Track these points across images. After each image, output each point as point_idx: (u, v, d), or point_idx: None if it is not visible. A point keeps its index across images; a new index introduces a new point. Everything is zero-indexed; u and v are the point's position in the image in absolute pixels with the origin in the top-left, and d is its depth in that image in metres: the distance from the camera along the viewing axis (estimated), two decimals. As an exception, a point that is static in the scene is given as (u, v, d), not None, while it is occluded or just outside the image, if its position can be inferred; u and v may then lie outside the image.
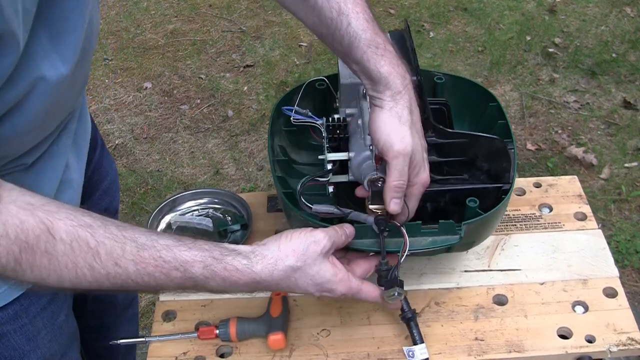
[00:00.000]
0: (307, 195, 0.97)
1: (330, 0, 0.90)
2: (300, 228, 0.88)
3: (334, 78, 1.12)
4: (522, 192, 1.25)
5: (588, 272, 1.11)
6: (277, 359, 1.01)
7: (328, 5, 0.91)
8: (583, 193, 1.25)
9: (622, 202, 2.49)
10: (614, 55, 3.16)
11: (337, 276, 0.86)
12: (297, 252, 0.84)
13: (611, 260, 1.13)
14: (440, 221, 0.95)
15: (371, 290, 0.90)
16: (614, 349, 1.00)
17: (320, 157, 1.04)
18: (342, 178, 1.02)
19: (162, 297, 1.10)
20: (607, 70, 3.08)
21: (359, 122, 1.01)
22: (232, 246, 0.83)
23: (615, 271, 1.12)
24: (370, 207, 0.93)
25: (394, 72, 0.89)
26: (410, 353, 0.99)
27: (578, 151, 2.66)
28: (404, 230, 0.93)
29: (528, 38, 3.28)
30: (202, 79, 3.12)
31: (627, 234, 2.38)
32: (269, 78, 3.10)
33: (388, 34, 1.11)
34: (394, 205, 0.90)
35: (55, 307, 1.02)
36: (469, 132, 1.04)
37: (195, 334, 1.03)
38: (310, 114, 1.06)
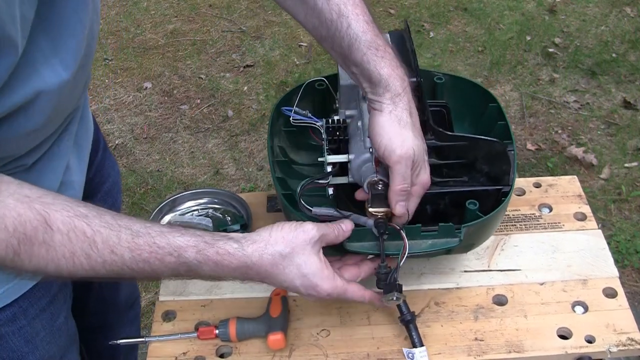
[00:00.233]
0: (307, 196, 0.97)
1: (330, 2, 0.90)
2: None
3: (334, 78, 1.12)
4: (522, 192, 1.25)
5: (588, 273, 1.11)
6: (276, 359, 1.01)
7: (328, 7, 0.91)
8: (583, 193, 1.25)
9: (622, 202, 2.49)
10: (614, 55, 3.16)
11: (324, 272, 0.87)
12: (286, 239, 0.85)
13: (611, 260, 1.13)
14: (439, 224, 0.95)
15: (357, 290, 0.90)
16: (614, 349, 1.00)
17: (320, 159, 1.03)
18: (342, 180, 1.02)
19: (162, 297, 1.10)
20: (607, 70, 3.08)
21: (359, 124, 1.01)
22: (224, 233, 0.85)
23: (615, 271, 1.12)
24: (370, 209, 0.92)
25: (394, 74, 0.89)
26: (410, 355, 0.99)
27: (578, 151, 2.66)
28: (404, 234, 0.92)
29: (528, 38, 3.28)
30: (202, 79, 3.12)
31: (627, 234, 2.38)
32: (269, 78, 3.10)
33: (388, 35, 1.11)
34: (400, 208, 0.90)
35: (55, 308, 1.02)
36: (469, 135, 1.04)
37: (195, 334, 1.03)
38: (309, 114, 1.06)
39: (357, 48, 0.90)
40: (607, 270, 1.12)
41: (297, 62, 3.19)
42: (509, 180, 1.01)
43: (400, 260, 0.91)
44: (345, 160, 1.00)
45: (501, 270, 1.12)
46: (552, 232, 1.18)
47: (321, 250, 0.89)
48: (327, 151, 1.02)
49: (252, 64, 3.19)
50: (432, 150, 0.99)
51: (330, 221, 0.94)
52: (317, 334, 1.04)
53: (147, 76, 3.14)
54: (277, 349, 1.01)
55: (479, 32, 3.34)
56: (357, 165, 0.98)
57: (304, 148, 1.16)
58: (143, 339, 1.04)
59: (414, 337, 0.99)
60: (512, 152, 1.02)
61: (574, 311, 1.06)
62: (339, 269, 0.92)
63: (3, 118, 0.76)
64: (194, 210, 1.24)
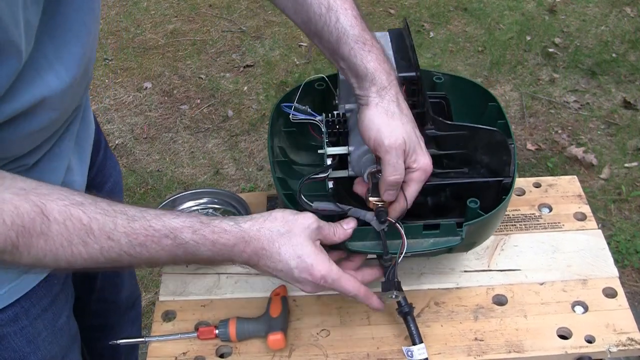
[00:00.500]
0: (307, 196, 0.97)
1: None
2: None
3: (334, 78, 1.12)
4: (522, 192, 1.25)
5: (588, 272, 1.11)
6: (276, 359, 1.01)
7: (317, 2, 0.92)
8: (583, 193, 1.25)
9: (622, 202, 2.49)
10: (614, 55, 3.16)
11: (319, 255, 0.86)
12: (286, 219, 0.86)
13: (611, 260, 1.13)
14: (441, 222, 0.95)
15: (352, 281, 0.89)
16: (614, 349, 1.00)
17: (319, 151, 1.04)
18: (341, 173, 1.02)
19: (162, 297, 1.10)
20: (607, 70, 3.08)
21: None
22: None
23: (615, 271, 1.12)
24: (371, 199, 0.93)
25: (380, 68, 0.90)
26: (409, 353, 0.99)
27: (578, 151, 2.66)
28: (402, 231, 0.92)
29: (528, 38, 3.28)
30: (202, 79, 3.12)
31: (627, 234, 2.38)
32: (269, 78, 3.10)
33: (388, 34, 1.11)
34: (388, 196, 0.91)
35: (56, 309, 1.02)
36: (468, 124, 1.04)
37: (195, 334, 1.03)
38: (309, 110, 1.06)
39: (344, 42, 0.91)
40: (607, 270, 1.12)
41: (297, 62, 3.19)
42: (509, 172, 1.01)
43: (399, 258, 0.91)
44: (345, 152, 1.00)
45: (501, 270, 1.12)
46: (552, 232, 1.18)
47: (318, 241, 0.88)
48: (326, 144, 1.02)
49: (252, 64, 3.19)
50: (431, 141, 0.99)
51: (330, 215, 0.94)
52: (317, 334, 1.04)
53: (147, 76, 3.14)
54: (277, 349, 1.01)
55: (479, 32, 3.34)
56: (358, 156, 0.98)
57: (303, 148, 1.16)
58: (143, 339, 1.04)
59: (412, 328, 0.99)
60: (512, 145, 1.02)
61: (574, 311, 1.06)
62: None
63: (6, 121, 0.76)
64: (194, 210, 1.24)
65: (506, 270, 1.12)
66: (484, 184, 1.01)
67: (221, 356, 1.02)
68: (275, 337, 1.00)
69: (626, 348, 1.01)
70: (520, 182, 1.27)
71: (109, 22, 3.45)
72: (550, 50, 3.20)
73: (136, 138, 2.84)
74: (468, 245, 1.02)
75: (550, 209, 1.22)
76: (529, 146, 2.73)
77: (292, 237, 0.85)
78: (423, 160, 0.91)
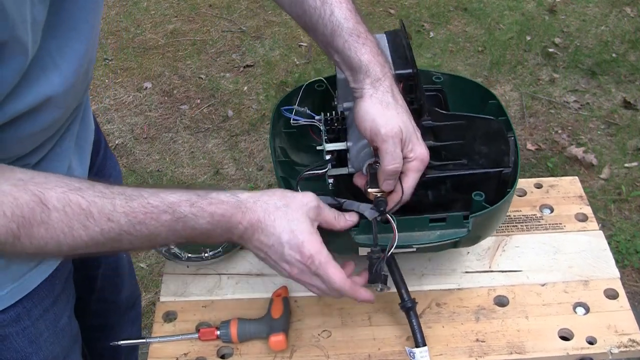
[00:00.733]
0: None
1: None
2: None
3: (333, 79, 1.12)
4: (523, 193, 1.25)
5: (589, 274, 1.11)
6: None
7: None
8: (584, 194, 1.25)
9: (622, 202, 2.49)
10: (614, 55, 3.16)
11: (312, 235, 0.86)
12: (284, 195, 0.87)
13: (612, 261, 1.13)
14: (448, 214, 0.95)
15: (339, 271, 0.87)
16: (615, 350, 1.00)
17: (318, 147, 1.04)
18: (341, 171, 1.02)
19: (163, 298, 1.10)
20: (607, 70, 3.08)
21: None
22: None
23: (616, 272, 1.12)
24: (370, 190, 0.93)
25: (374, 61, 0.91)
26: (412, 354, 0.98)
27: (578, 151, 2.66)
28: (394, 224, 0.92)
29: (528, 38, 3.28)
30: (202, 79, 3.12)
31: (627, 234, 2.38)
32: (269, 78, 3.10)
33: (385, 36, 1.12)
34: (386, 186, 0.92)
35: (58, 309, 1.02)
36: (465, 114, 1.03)
37: (196, 335, 1.03)
38: (308, 111, 1.07)
39: (339, 34, 0.91)
40: (608, 272, 1.12)
41: (297, 62, 3.19)
42: (509, 162, 1.00)
43: (388, 251, 0.91)
44: (344, 147, 1.00)
45: (502, 271, 1.12)
46: (553, 233, 1.18)
47: (316, 223, 0.88)
48: (325, 140, 1.02)
49: (252, 64, 3.19)
50: (428, 132, 0.99)
51: None
52: (319, 335, 1.04)
53: (147, 76, 3.14)
54: (278, 350, 1.01)
55: (479, 32, 3.34)
56: (356, 151, 0.99)
57: (304, 150, 1.16)
58: (144, 340, 1.04)
59: (414, 323, 0.99)
60: (513, 138, 1.02)
61: (575, 312, 1.06)
62: None
63: (11, 121, 0.76)
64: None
65: (507, 271, 1.12)
66: (484, 175, 1.00)
67: (222, 357, 1.02)
68: (277, 338, 1.00)
69: (627, 349, 1.00)
70: (521, 182, 1.27)
71: (109, 22, 3.45)
72: (550, 50, 3.20)
73: (136, 138, 2.84)
74: (474, 238, 1.02)
75: (552, 210, 1.22)
76: (529, 146, 2.73)
77: (288, 212, 0.85)
78: (420, 150, 0.91)
